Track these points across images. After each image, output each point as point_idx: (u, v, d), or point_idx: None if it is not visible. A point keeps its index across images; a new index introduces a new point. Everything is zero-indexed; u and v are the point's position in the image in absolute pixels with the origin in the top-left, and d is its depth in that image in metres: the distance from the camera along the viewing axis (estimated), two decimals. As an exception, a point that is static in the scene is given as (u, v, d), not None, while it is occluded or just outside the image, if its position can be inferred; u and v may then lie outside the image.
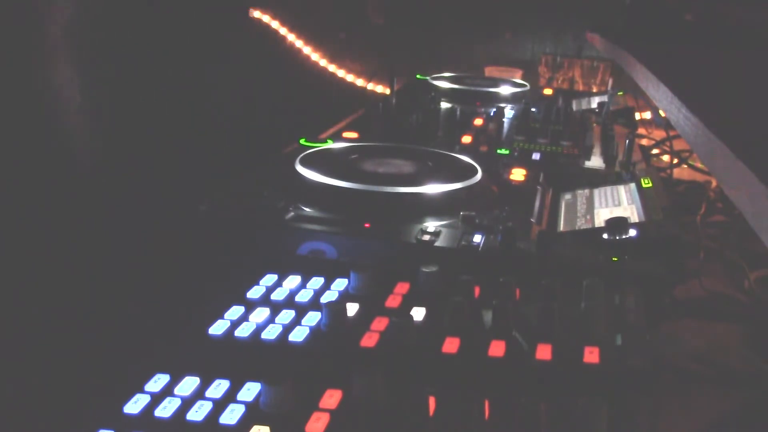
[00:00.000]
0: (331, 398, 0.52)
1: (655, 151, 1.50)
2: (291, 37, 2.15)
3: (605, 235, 0.78)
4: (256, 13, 2.00)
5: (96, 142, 1.14)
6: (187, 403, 0.51)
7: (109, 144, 1.13)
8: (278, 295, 0.67)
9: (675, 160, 1.38)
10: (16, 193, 0.94)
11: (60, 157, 1.04)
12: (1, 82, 0.96)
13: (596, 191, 0.98)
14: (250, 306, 0.64)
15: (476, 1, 2.20)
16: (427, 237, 0.76)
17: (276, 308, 0.64)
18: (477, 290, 0.67)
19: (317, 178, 0.87)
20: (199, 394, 0.52)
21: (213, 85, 1.16)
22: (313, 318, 0.63)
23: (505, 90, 1.59)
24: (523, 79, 1.86)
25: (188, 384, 0.53)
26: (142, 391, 0.52)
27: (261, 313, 0.63)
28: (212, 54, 1.18)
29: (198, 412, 0.50)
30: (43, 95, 1.03)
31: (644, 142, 1.49)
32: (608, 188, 0.98)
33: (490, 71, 2.13)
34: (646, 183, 0.94)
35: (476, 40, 2.24)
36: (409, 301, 0.66)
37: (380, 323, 0.62)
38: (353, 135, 1.18)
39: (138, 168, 1.08)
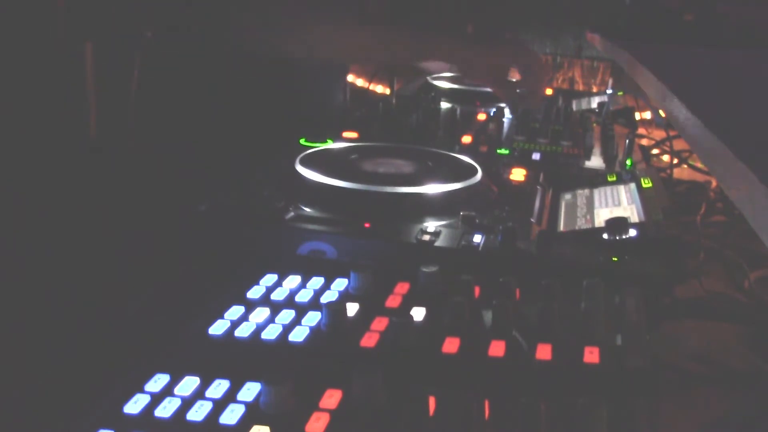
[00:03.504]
0: (331, 398, 0.52)
1: (655, 151, 1.50)
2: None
3: (605, 235, 0.78)
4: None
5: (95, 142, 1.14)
6: (187, 403, 0.51)
7: (108, 144, 1.13)
8: (278, 295, 0.67)
9: (675, 160, 1.38)
10: (15, 193, 0.94)
11: (60, 155, 1.04)
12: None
13: (596, 191, 0.98)
14: (250, 306, 0.64)
15: (476, 1, 2.20)
16: (427, 237, 0.76)
17: (276, 308, 0.64)
18: (477, 290, 0.67)
19: (317, 178, 0.87)
20: (199, 394, 0.52)
21: (212, 84, 1.16)
22: (313, 318, 0.63)
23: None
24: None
25: (188, 384, 0.53)
26: (142, 391, 0.52)
27: (261, 313, 0.63)
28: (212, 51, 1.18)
29: (198, 412, 0.50)
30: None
31: (644, 142, 1.49)
32: (608, 188, 0.98)
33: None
34: (646, 183, 0.94)
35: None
36: (409, 301, 0.66)
37: (380, 323, 0.62)
38: (353, 135, 1.18)
39: (138, 167, 1.08)
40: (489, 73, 1.18)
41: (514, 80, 1.22)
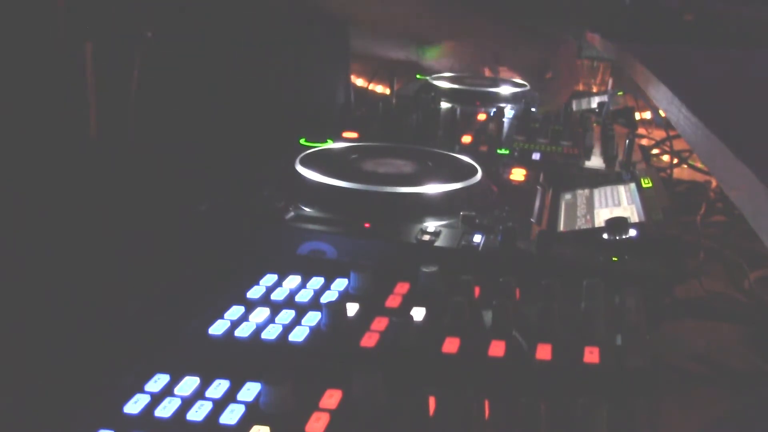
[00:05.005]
0: (331, 398, 0.52)
1: (655, 151, 1.50)
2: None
3: (605, 235, 0.78)
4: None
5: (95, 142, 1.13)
6: (187, 403, 0.51)
7: (108, 144, 1.12)
8: (278, 295, 0.67)
9: (675, 160, 1.38)
10: (15, 193, 0.94)
11: (59, 155, 1.04)
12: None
13: (596, 191, 0.98)
14: (250, 306, 0.64)
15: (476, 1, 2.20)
16: (427, 237, 0.76)
17: (276, 308, 0.64)
18: (477, 290, 0.67)
19: (317, 178, 0.87)
20: (199, 394, 0.52)
21: (212, 84, 1.16)
22: (313, 318, 0.63)
23: (505, 90, 1.59)
24: (523, 79, 1.86)
25: (188, 384, 0.53)
26: (142, 391, 0.52)
27: (261, 313, 0.63)
28: (213, 51, 1.18)
29: (198, 412, 0.50)
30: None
31: (644, 142, 1.49)
32: (608, 188, 0.98)
33: (490, 71, 2.13)
34: (646, 183, 0.94)
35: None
36: (409, 301, 0.66)
37: (380, 323, 0.62)
38: (353, 135, 1.18)
39: (138, 167, 1.08)
40: (527, 66, 1.19)
41: (546, 77, 1.24)
